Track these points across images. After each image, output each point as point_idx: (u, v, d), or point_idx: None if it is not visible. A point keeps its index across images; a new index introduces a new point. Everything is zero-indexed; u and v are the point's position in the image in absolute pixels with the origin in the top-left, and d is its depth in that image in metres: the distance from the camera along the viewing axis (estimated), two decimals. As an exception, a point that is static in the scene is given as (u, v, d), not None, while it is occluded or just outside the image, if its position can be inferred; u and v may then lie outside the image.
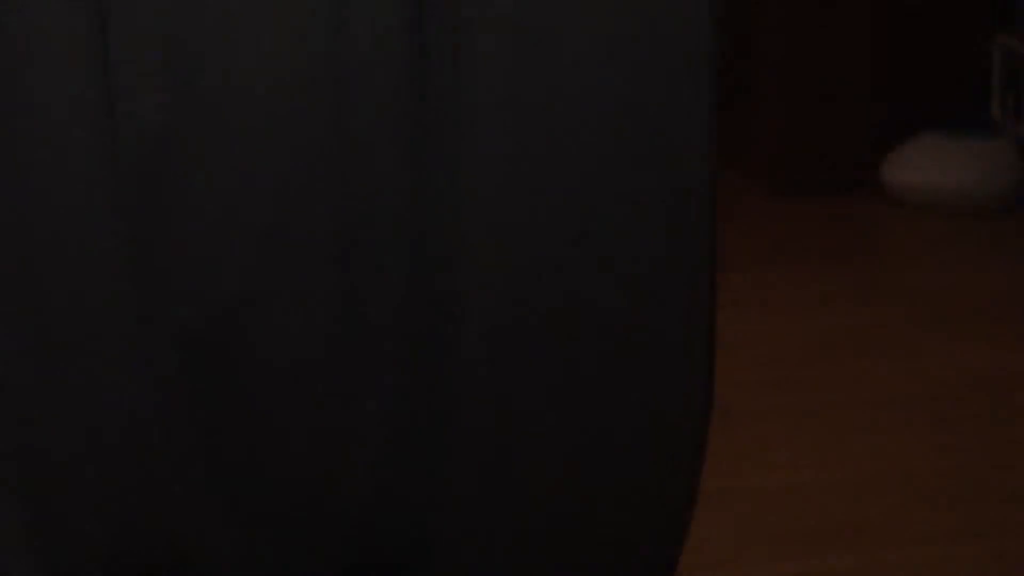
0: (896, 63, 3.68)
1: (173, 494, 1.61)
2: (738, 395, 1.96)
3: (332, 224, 1.36)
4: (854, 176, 3.62)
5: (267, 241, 1.33)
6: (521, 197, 1.32)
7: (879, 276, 3.33)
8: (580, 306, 1.39)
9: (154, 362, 1.39)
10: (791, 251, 3.11)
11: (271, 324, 1.41)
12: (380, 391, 1.56)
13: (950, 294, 3.22)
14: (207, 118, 1.27)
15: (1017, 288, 3.29)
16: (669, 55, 1.34)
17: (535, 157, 1.23)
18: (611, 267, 1.40)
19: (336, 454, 1.61)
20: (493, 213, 1.34)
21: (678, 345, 1.61)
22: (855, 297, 3.16)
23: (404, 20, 1.26)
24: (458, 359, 1.46)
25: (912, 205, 3.59)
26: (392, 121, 1.32)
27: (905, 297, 3.18)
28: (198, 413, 1.48)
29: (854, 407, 2.64)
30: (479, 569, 1.77)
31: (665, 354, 1.59)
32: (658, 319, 1.47)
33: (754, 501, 2.22)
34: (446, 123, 1.29)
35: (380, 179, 1.34)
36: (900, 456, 2.46)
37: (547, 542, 1.78)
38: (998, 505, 2.28)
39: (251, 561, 1.65)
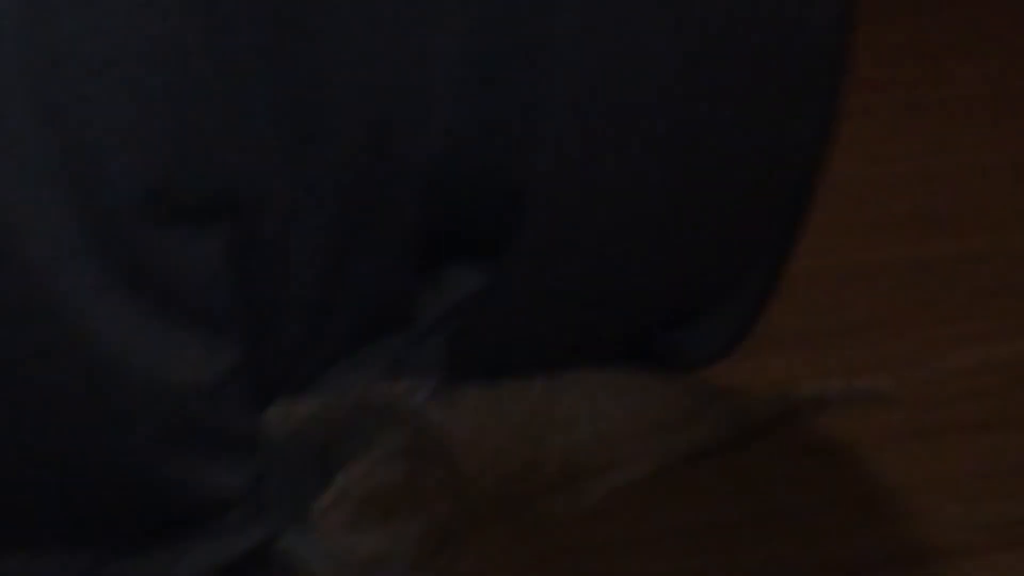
0: None
1: (228, 126, 1.53)
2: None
3: None
4: None
5: None
6: None
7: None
8: None
9: None
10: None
11: None
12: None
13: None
14: None
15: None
16: None
17: None
18: None
19: (414, 80, 1.50)
20: None
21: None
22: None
23: None
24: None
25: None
26: None
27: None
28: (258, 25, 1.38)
29: (958, 102, 2.53)
30: (575, 230, 1.68)
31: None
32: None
33: (857, 189, 2.09)
34: None
35: None
36: (1008, 146, 2.36)
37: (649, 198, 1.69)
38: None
39: (312, 210, 1.56)
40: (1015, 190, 2.30)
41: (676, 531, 1.70)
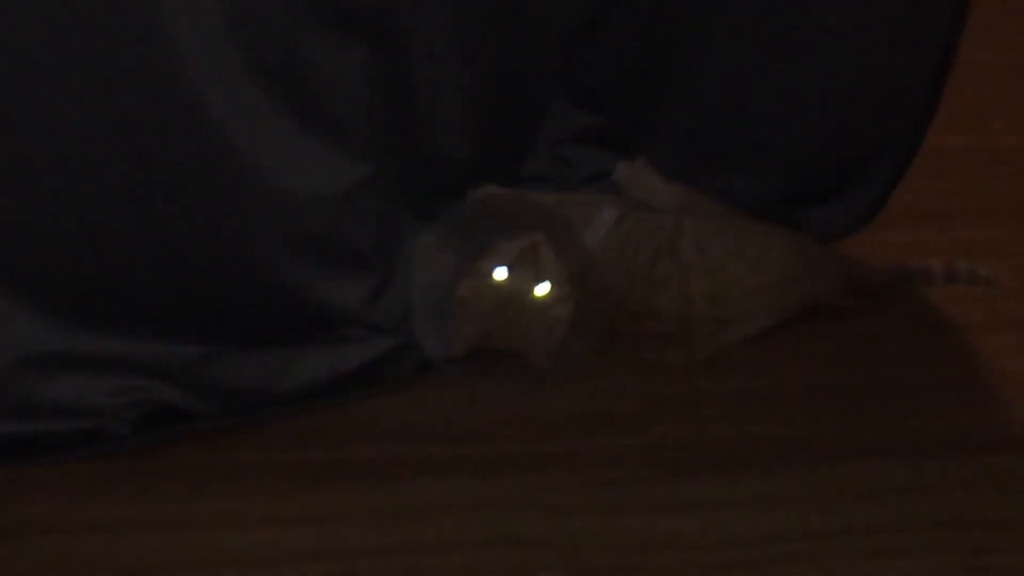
0: None
1: None
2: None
3: None
4: None
5: None
6: None
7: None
8: None
9: None
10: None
11: None
12: None
13: None
14: None
15: None
16: None
17: None
18: None
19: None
20: None
21: None
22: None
23: None
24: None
25: None
26: None
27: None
28: None
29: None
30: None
31: None
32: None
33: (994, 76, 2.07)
34: None
35: None
36: None
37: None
38: None
39: (461, 44, 1.57)
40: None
41: (786, 393, 1.69)
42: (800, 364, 1.73)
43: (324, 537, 1.51)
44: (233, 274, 1.60)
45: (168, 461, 1.57)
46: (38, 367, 1.56)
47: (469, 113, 1.67)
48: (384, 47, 1.58)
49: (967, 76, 1.86)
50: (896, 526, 1.55)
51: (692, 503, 1.55)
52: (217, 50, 1.48)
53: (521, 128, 1.77)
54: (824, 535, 1.53)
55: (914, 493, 1.58)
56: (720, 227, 1.74)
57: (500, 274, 1.63)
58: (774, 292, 1.74)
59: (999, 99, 2.19)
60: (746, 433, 1.63)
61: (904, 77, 1.81)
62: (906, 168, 1.87)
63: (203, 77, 1.48)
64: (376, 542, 1.51)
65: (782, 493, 1.57)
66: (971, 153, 2.07)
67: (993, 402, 1.70)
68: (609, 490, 1.57)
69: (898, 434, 1.64)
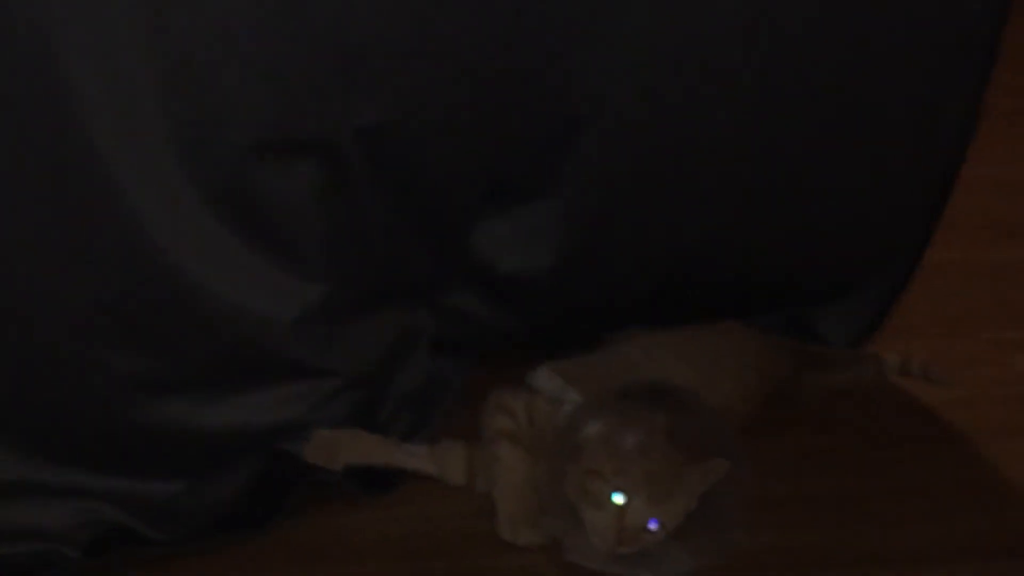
0: None
1: (320, 85, 1.57)
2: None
3: None
4: None
5: None
6: None
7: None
8: None
9: None
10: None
11: None
12: None
13: None
14: None
15: None
16: None
17: None
18: None
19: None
20: None
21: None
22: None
23: None
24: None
25: None
26: None
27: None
28: None
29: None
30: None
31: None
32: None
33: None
34: None
35: None
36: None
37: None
38: None
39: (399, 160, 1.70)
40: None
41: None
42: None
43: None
44: (184, 399, 1.62)
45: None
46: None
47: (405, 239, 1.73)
48: (331, 171, 1.61)
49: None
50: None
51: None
52: (165, 178, 1.51)
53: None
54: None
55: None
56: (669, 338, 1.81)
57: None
58: (737, 377, 1.76)
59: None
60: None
61: (906, 196, 1.83)
62: (905, 286, 1.90)
63: (151, 203, 1.51)
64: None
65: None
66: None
67: (940, 512, 1.71)
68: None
69: (849, 545, 1.67)
